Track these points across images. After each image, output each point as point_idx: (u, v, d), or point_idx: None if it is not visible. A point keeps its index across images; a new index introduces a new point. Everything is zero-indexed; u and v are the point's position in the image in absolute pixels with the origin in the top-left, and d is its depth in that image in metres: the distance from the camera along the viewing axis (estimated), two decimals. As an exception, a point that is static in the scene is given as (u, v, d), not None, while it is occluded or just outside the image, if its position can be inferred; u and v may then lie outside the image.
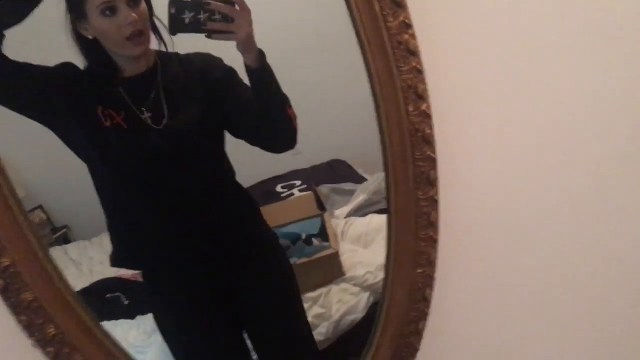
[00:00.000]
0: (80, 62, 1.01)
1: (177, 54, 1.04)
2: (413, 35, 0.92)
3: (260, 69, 0.97)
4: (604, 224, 1.17)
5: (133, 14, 0.93)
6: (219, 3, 0.92)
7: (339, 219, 1.48)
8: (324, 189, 1.50)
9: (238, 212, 1.16)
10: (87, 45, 0.97)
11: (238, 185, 1.16)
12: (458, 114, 1.01)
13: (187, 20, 0.91)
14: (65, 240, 1.41)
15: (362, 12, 0.89)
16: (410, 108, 0.93)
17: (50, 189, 1.41)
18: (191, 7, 0.91)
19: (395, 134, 0.94)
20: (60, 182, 1.40)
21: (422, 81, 0.93)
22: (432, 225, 1.01)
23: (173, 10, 0.91)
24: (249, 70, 0.98)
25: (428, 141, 0.95)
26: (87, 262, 1.41)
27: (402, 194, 0.96)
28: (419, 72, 0.93)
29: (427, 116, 0.94)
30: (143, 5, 0.95)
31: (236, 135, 1.09)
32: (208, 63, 1.05)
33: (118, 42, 0.96)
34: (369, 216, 1.44)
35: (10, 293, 0.86)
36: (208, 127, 1.07)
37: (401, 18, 0.91)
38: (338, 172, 1.47)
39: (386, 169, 0.96)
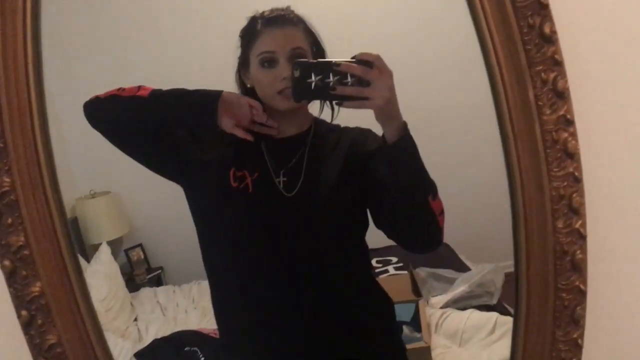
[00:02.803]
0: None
1: (337, 125, 0.87)
2: (574, 135, 0.65)
3: (398, 144, 0.72)
4: None
5: (289, 71, 0.78)
6: (352, 64, 0.70)
7: (434, 309, 1.26)
8: (421, 271, 1.33)
9: (367, 320, 0.89)
10: (246, 93, 0.86)
11: (374, 286, 0.92)
12: (619, 238, 0.71)
13: (313, 85, 0.71)
14: (158, 282, 1.31)
15: (512, 106, 0.63)
16: (560, 224, 0.66)
17: (153, 230, 1.31)
18: (318, 70, 0.71)
19: (536, 255, 0.67)
20: (164, 224, 1.29)
21: (580, 193, 0.65)
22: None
23: (297, 74, 0.71)
24: (386, 144, 0.73)
25: (579, 269, 0.66)
26: (173, 308, 1.31)
27: (536, 332, 0.67)
28: (576, 180, 0.65)
29: (580, 237, 0.66)
30: None
31: (376, 223, 0.84)
32: (364, 137, 0.84)
33: (268, 94, 0.83)
34: (469, 311, 1.22)
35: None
36: (342, 204, 0.84)
37: (561, 112, 0.64)
38: (439, 255, 1.19)
39: (517, 293, 0.68)
